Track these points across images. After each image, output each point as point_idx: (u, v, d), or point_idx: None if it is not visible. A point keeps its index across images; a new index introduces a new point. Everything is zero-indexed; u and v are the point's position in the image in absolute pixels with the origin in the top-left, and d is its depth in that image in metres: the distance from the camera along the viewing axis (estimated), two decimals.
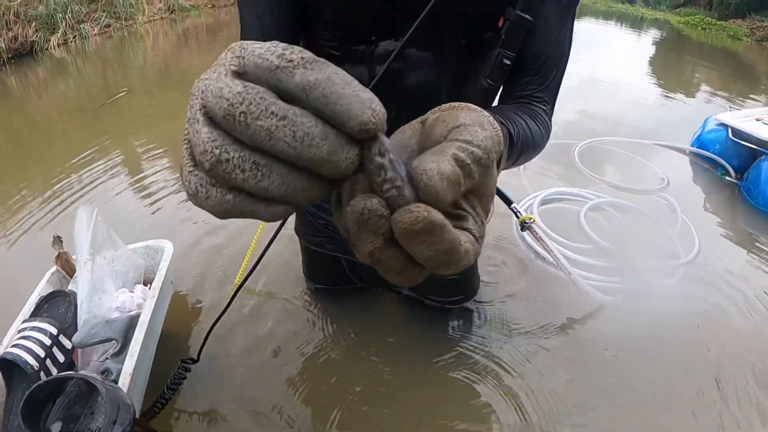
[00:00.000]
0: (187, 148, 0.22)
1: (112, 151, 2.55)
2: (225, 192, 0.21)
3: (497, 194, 0.76)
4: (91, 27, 8.43)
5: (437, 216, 0.21)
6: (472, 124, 0.25)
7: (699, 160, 2.41)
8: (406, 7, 0.58)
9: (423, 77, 0.65)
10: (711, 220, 1.92)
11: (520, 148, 0.50)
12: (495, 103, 0.64)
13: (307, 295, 1.36)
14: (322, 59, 0.20)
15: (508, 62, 0.55)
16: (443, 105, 0.29)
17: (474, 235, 0.25)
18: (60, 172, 2.29)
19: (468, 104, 0.28)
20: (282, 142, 0.19)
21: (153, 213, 1.89)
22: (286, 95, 0.20)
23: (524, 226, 0.96)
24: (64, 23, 8.00)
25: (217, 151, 0.19)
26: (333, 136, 0.20)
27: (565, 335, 1.26)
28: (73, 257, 1.00)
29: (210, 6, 10.91)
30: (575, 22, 0.62)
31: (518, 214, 0.93)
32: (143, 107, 3.57)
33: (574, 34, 0.62)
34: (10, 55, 6.31)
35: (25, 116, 3.42)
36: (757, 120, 2.27)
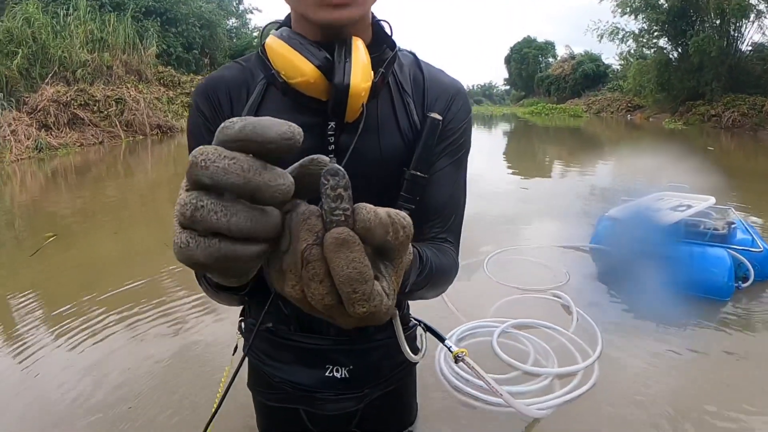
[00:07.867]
0: (176, 218, 0.27)
1: None
2: (210, 237, 0.26)
3: (430, 331, 0.87)
4: None
5: (358, 237, 0.27)
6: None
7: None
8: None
9: None
10: None
11: (429, 272, 0.58)
12: None
13: None
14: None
15: (408, 211, 0.63)
16: None
17: (386, 291, 0.29)
18: None
19: None
20: (234, 175, 0.25)
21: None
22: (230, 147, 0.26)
23: (458, 359, 1.01)
24: None
25: (194, 201, 0.25)
26: (269, 167, 0.26)
27: None
28: None
29: (78, 145, 10.45)
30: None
31: (450, 349, 0.99)
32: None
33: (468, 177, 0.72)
34: None
35: None
36: None
